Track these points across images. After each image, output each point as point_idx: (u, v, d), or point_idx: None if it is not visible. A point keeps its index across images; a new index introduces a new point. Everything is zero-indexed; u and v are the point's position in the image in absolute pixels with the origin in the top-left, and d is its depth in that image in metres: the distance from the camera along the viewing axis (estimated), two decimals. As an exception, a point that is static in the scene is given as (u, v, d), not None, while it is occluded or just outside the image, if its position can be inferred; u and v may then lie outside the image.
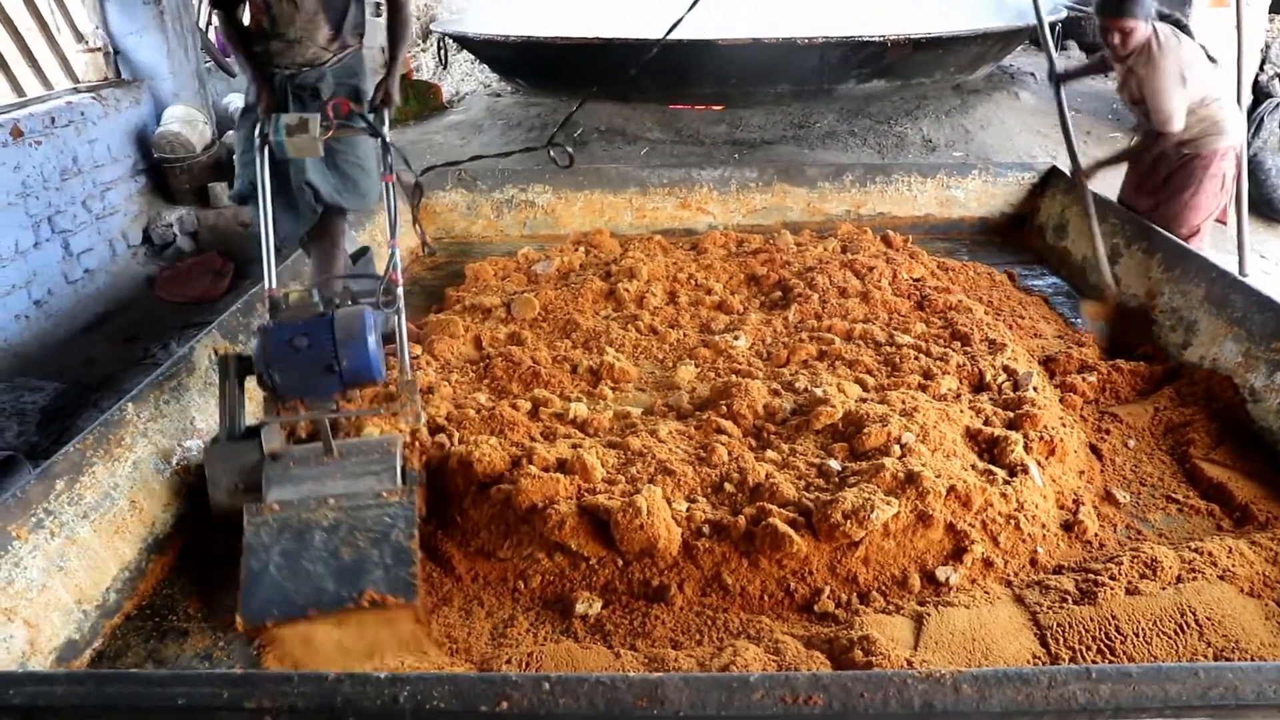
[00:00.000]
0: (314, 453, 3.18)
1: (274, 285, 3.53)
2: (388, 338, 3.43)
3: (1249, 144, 7.63)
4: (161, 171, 7.32)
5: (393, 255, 3.51)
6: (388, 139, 3.81)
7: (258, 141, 3.63)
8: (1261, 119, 7.97)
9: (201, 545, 3.27)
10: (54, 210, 6.24)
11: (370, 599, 2.84)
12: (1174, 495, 3.41)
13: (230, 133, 7.75)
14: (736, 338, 4.41)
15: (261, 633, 2.85)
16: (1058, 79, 5.52)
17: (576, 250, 5.65)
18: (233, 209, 7.34)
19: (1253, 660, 2.55)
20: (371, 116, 3.87)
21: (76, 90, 6.90)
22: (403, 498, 3.05)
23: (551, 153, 4.71)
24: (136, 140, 7.18)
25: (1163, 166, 5.05)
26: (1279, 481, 3.49)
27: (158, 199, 7.39)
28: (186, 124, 7.26)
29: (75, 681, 2.02)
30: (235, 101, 8.35)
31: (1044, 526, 3.12)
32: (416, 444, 3.47)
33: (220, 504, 3.17)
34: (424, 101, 9.49)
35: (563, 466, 3.26)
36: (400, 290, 3.54)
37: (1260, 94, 8.21)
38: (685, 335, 4.57)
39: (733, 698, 1.82)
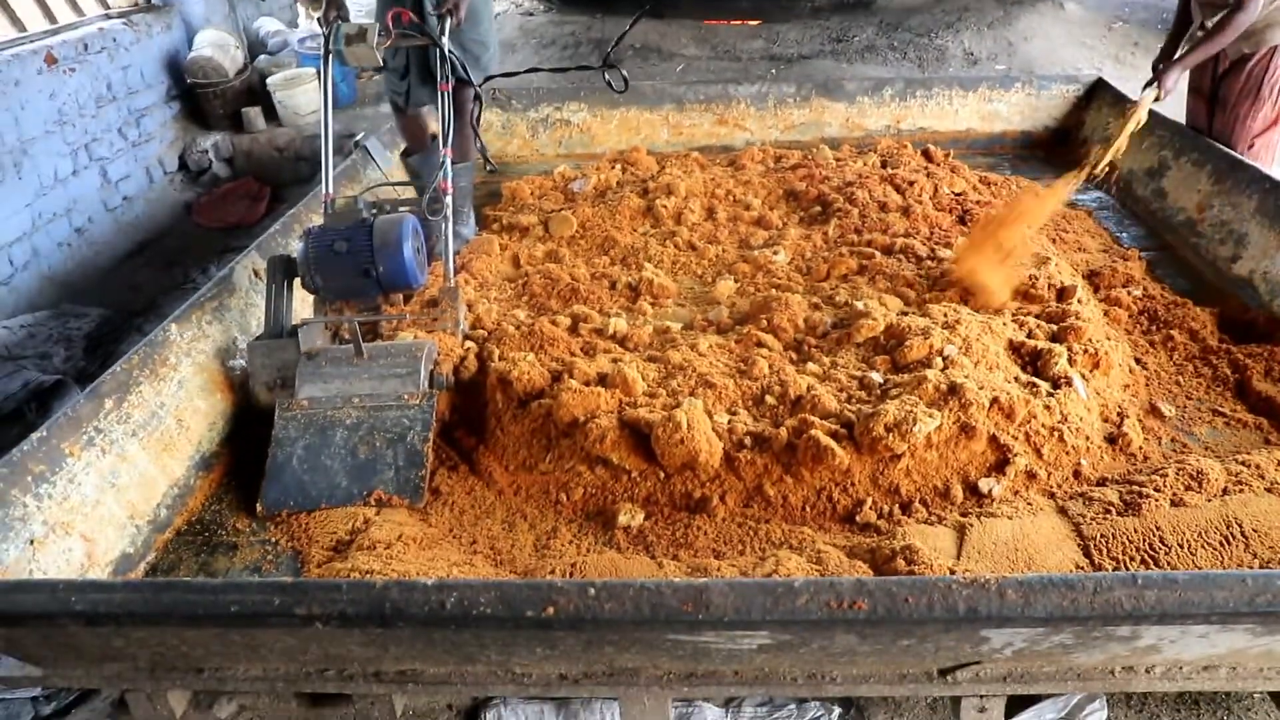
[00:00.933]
0: (346, 354, 3.32)
1: (330, 190, 3.73)
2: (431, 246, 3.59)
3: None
4: (195, 97, 7.32)
5: (443, 164, 3.69)
6: (446, 48, 3.87)
7: (321, 51, 3.81)
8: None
9: (246, 463, 3.31)
10: (90, 138, 6.25)
11: (378, 498, 3.05)
12: (1220, 409, 3.37)
13: (262, 56, 7.73)
14: (776, 252, 4.37)
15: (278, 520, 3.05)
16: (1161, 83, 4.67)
17: (613, 168, 5.60)
18: (268, 133, 7.33)
19: (1299, 570, 2.54)
20: (438, 25, 3.97)
21: (108, 16, 6.87)
22: (422, 402, 3.20)
23: (607, 75, 4.66)
24: (169, 66, 7.16)
25: (1208, 71, 4.76)
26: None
27: (192, 125, 7.40)
28: (219, 49, 7.23)
29: (133, 590, 2.05)
30: (266, 26, 8.30)
31: (1088, 439, 3.10)
32: (454, 353, 3.52)
33: (258, 397, 3.37)
34: (456, 22, 9.37)
35: (603, 381, 3.26)
36: (449, 199, 3.72)
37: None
38: (724, 251, 4.53)
39: (778, 602, 1.82)
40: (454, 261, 3.84)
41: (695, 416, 2.94)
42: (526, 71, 4.87)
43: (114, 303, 5.54)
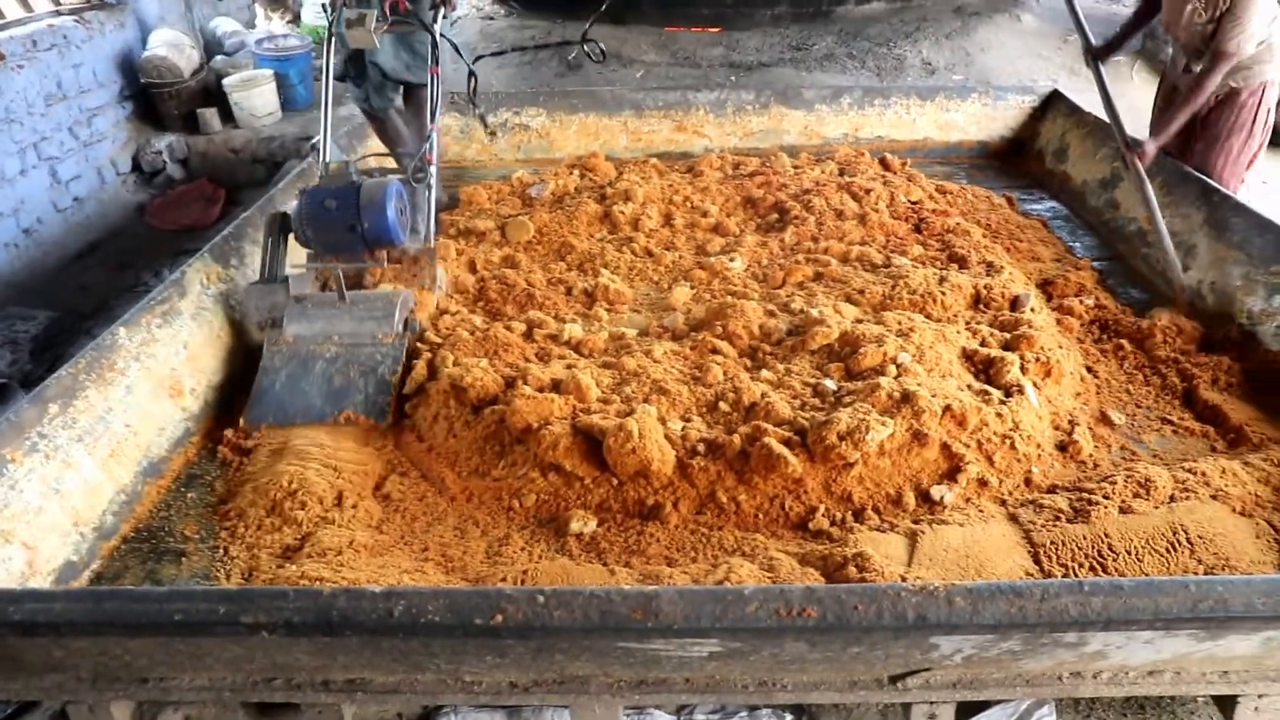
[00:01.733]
0: (330, 299, 3.74)
1: (328, 157, 4.08)
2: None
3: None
4: (149, 97, 7.22)
5: (430, 137, 4.16)
6: (438, 35, 4.27)
7: (326, 33, 4.19)
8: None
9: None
10: (39, 137, 6.15)
11: (346, 417, 3.45)
12: (1169, 417, 3.41)
13: (218, 57, 7.65)
14: (732, 259, 4.38)
15: (257, 433, 3.42)
16: (1096, 55, 4.93)
17: (571, 174, 5.59)
18: (224, 135, 7.25)
19: (1243, 576, 2.57)
20: (431, 14, 4.34)
21: (58, 13, 6.75)
22: (394, 341, 3.63)
23: (585, 47, 5.24)
24: (122, 65, 7.06)
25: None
26: (1273, 404, 3.50)
27: (146, 126, 7.30)
28: (173, 48, 7.14)
29: (73, 599, 2.02)
30: (223, 26, 8.21)
31: (1039, 446, 3.12)
32: (429, 305, 4.02)
33: (251, 333, 3.86)
34: (415, 26, 9.33)
35: (557, 387, 3.25)
36: (434, 168, 4.15)
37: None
38: (681, 257, 4.54)
39: (727, 610, 1.82)
40: (434, 224, 4.21)
41: (647, 425, 2.94)
42: (512, 50, 5.00)
43: (63, 305, 5.46)
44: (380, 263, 3.95)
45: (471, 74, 4.77)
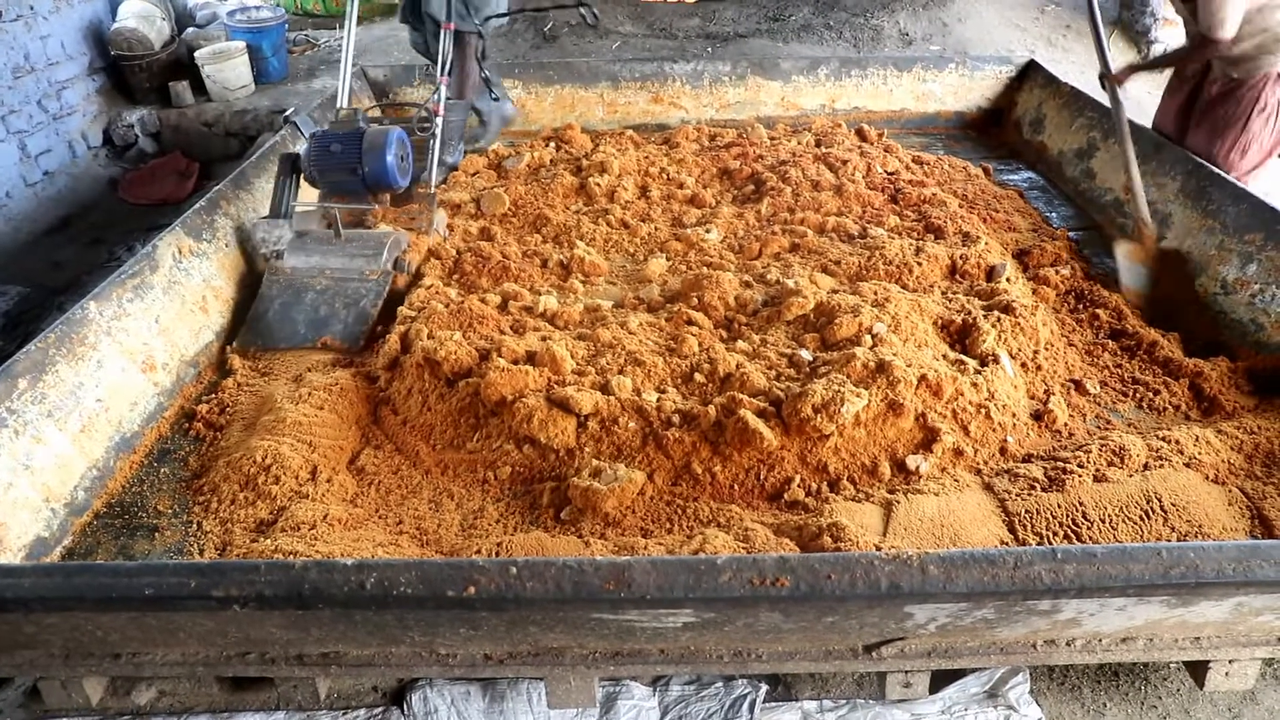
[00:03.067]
0: (329, 235, 4.10)
1: (345, 104, 4.51)
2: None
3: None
4: (120, 70, 7.13)
5: (438, 89, 4.54)
6: None
7: None
8: None
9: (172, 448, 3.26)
10: (8, 110, 6.07)
11: (324, 343, 3.79)
12: (1143, 385, 3.42)
13: (190, 29, 7.55)
14: (708, 231, 4.36)
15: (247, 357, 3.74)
16: (1112, 79, 4.61)
17: (547, 146, 5.55)
18: (197, 108, 7.16)
19: (1215, 542, 2.59)
20: None
21: (25, -17, 6.65)
22: (379, 277, 3.96)
23: (581, 10, 5.42)
24: (92, 37, 6.97)
25: (1203, 94, 4.43)
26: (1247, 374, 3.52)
27: (118, 99, 7.21)
28: (144, 20, 7.05)
29: (43, 574, 2.00)
30: (194, -3, 8.11)
31: (1014, 416, 3.13)
32: (423, 247, 4.32)
33: (259, 265, 4.20)
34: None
35: (532, 359, 3.24)
36: (439, 120, 4.51)
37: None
38: (657, 229, 4.52)
39: (700, 580, 1.82)
40: (436, 174, 4.54)
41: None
42: (518, 11, 5.18)
43: (34, 281, 5.40)
44: (383, 204, 4.29)
45: (479, 34, 5.09)
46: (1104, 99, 5.41)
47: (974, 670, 2.56)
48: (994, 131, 6.34)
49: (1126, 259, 4.15)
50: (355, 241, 4.07)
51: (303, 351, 3.76)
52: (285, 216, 4.14)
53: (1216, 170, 4.24)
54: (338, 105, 4.51)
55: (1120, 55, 8.04)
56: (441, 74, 4.53)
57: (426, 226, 4.35)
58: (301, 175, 4.20)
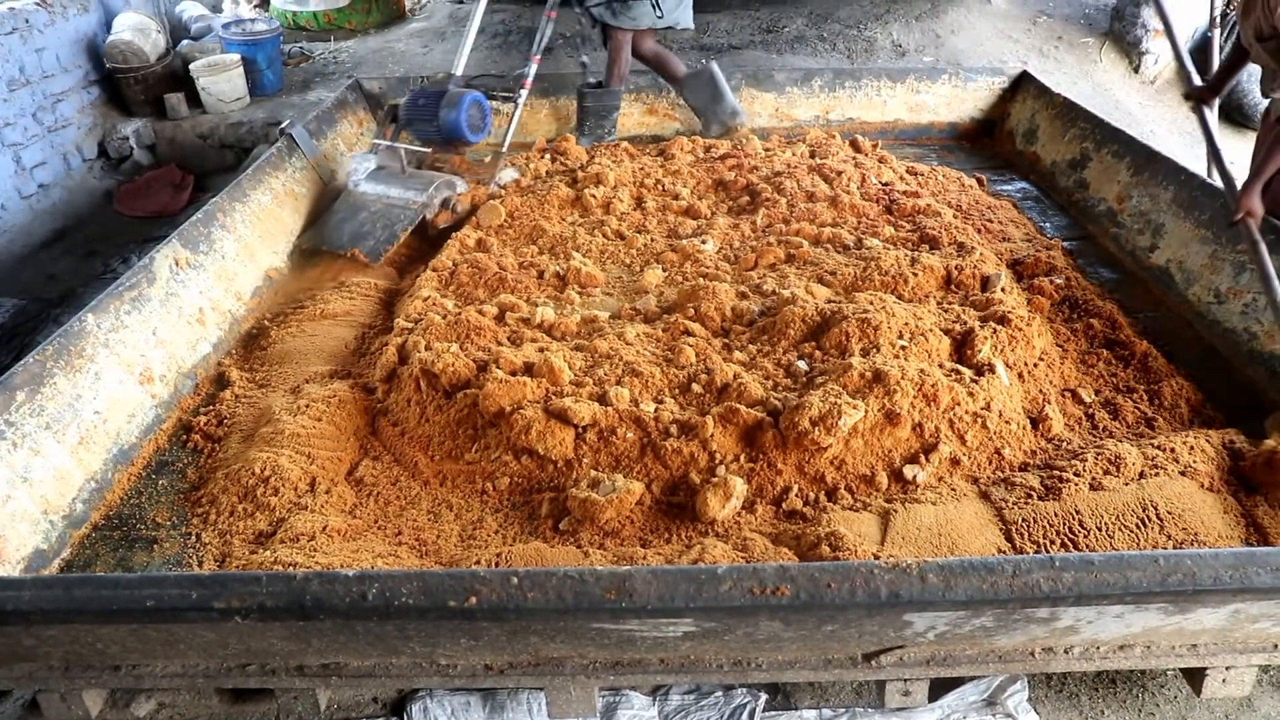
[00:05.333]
0: (397, 170, 4.97)
1: (460, 72, 5.21)
2: None
3: (1221, 49, 7.55)
4: (115, 83, 7.12)
5: (528, 66, 5.42)
6: None
7: None
8: (1235, 22, 7.88)
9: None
10: (2, 123, 6.05)
11: (352, 254, 4.56)
12: (1137, 394, 3.44)
13: (185, 42, 7.56)
14: (704, 242, 4.37)
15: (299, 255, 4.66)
16: (1200, 98, 4.13)
17: (542, 157, 5.56)
18: (192, 120, 7.16)
19: (1210, 550, 2.60)
20: None
21: (20, -4, 6.65)
22: (417, 209, 4.73)
23: (584, 19, 5.93)
24: (87, 50, 6.95)
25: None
26: (1241, 381, 3.54)
27: (113, 111, 7.19)
28: (139, 32, 7.04)
29: (43, 587, 2.00)
30: (189, 10, 8.11)
31: (1010, 425, 3.14)
32: (478, 195, 4.99)
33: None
34: (386, 10, 9.24)
35: (529, 370, 3.25)
36: (525, 91, 5.42)
37: (1231, -3, 8.10)
38: (652, 240, 4.53)
39: (701, 589, 1.83)
40: (510, 138, 5.35)
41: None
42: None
43: (29, 293, 5.39)
44: (460, 154, 5.23)
45: (548, 18, 5.57)
46: (1097, 110, 5.46)
47: (972, 678, 2.56)
48: (987, 142, 6.38)
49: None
50: (414, 178, 4.87)
51: (304, 369, 3.71)
52: (374, 153, 5.08)
53: (1208, 180, 4.26)
54: (452, 71, 5.22)
55: (1111, 67, 8.09)
56: (535, 54, 5.39)
57: (487, 179, 5.08)
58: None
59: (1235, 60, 4.04)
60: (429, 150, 5.12)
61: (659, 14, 5.64)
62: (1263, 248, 3.47)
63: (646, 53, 5.97)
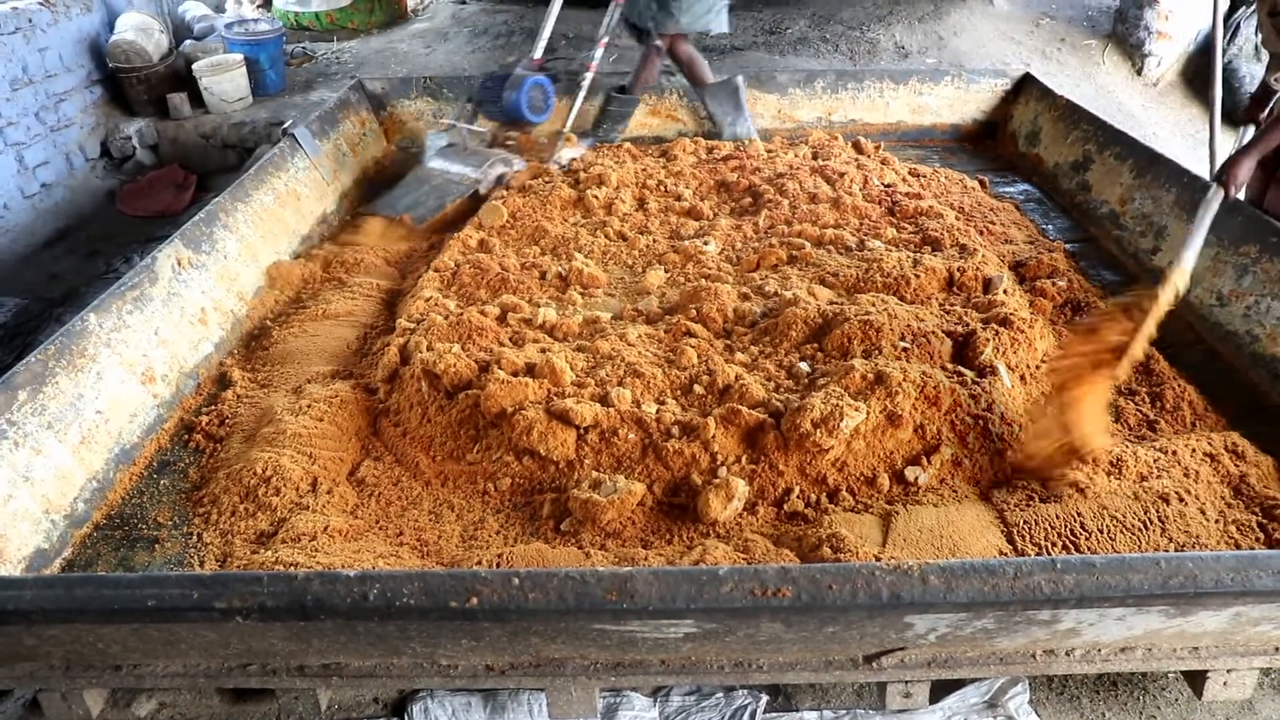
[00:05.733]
0: (462, 148, 5.46)
1: (538, 57, 5.55)
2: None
3: (1224, 50, 7.54)
4: (118, 82, 7.13)
5: (594, 51, 5.62)
6: None
7: None
8: (1238, 24, 7.88)
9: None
10: (5, 122, 6.07)
11: (401, 219, 5.00)
12: (1139, 397, 3.43)
13: (188, 42, 7.56)
14: (706, 243, 4.37)
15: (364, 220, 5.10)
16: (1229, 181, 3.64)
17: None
18: (194, 120, 7.17)
19: (1213, 554, 2.60)
20: None
21: (23, -4, 6.66)
22: (469, 183, 5.13)
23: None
24: (90, 49, 6.97)
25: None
26: (1244, 383, 3.54)
27: (115, 111, 7.21)
28: (141, 32, 7.05)
29: (44, 586, 2.00)
30: (192, 10, 8.12)
31: (1012, 427, 3.13)
32: (542, 171, 5.33)
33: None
34: (389, 10, 9.26)
35: (531, 371, 3.25)
36: (589, 75, 5.65)
37: (1236, -1, 8.10)
38: (655, 241, 4.53)
39: (702, 590, 1.82)
40: (572, 120, 5.71)
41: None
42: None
43: (32, 293, 5.39)
44: (526, 132, 5.58)
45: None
46: (1100, 112, 5.45)
47: (974, 680, 2.56)
48: (990, 144, 6.37)
49: None
50: (474, 155, 5.31)
51: (306, 369, 3.71)
52: (447, 131, 5.56)
53: (1209, 182, 4.26)
54: (532, 56, 5.55)
55: (1114, 69, 8.09)
56: (601, 39, 5.60)
57: (548, 158, 5.37)
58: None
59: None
60: (484, 130, 5.57)
61: (700, 18, 5.69)
62: (1212, 210, 3.41)
63: (681, 54, 6.00)
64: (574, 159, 5.46)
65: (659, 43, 5.80)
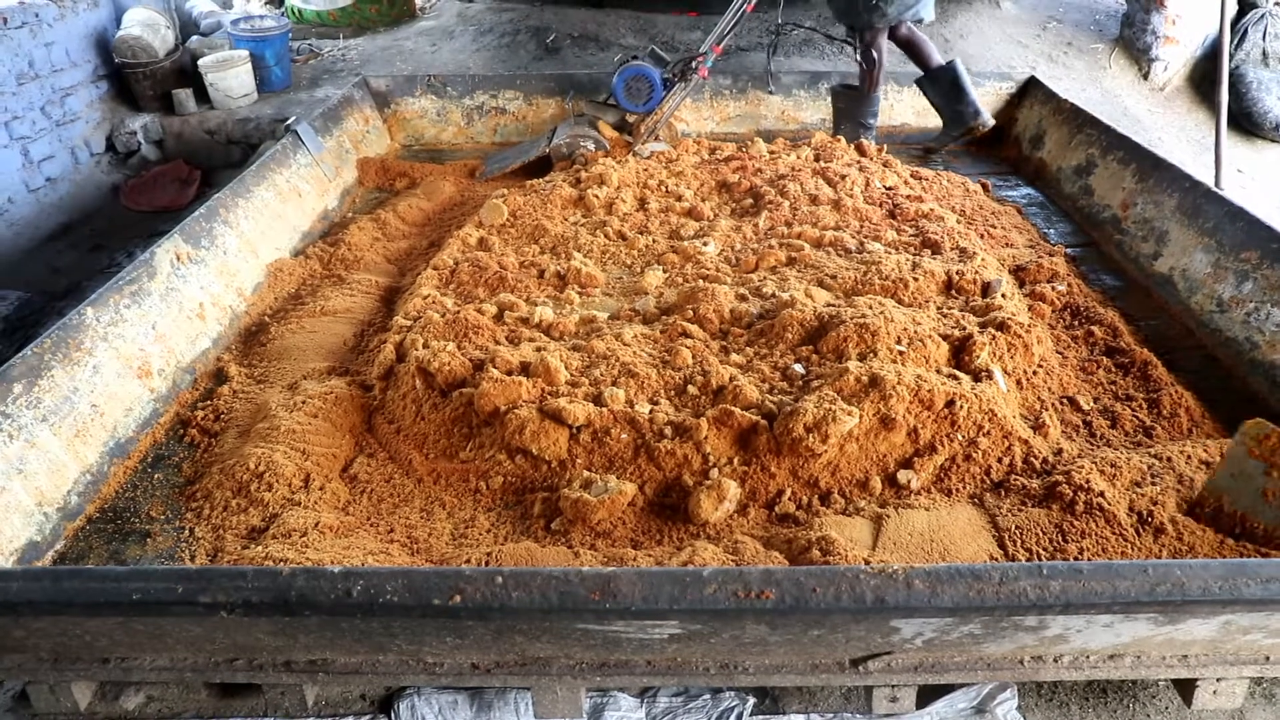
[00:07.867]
0: (571, 123, 5.93)
1: (705, 49, 5.69)
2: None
3: (1232, 56, 7.52)
4: (124, 78, 7.14)
5: (707, 52, 5.66)
6: None
7: None
8: (1245, 30, 7.85)
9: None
10: (11, 116, 6.08)
11: (476, 170, 5.79)
12: (1136, 402, 3.42)
13: (194, 38, 7.57)
14: (706, 244, 4.37)
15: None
16: None
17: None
18: (200, 116, 7.18)
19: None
20: None
21: (31, -10, 6.67)
22: (541, 149, 5.73)
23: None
24: (96, 44, 6.98)
25: None
26: (1240, 390, 3.53)
27: (121, 106, 7.22)
28: (148, 28, 7.07)
29: (32, 578, 2.00)
30: (198, 6, 8.13)
31: (1006, 431, 3.12)
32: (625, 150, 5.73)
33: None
34: (396, 7, 9.26)
35: (526, 370, 3.25)
36: (696, 74, 5.71)
37: (1245, 4, 8.07)
38: (654, 241, 4.53)
39: (685, 591, 1.82)
40: (668, 111, 5.85)
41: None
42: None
43: (35, 286, 5.41)
44: (639, 115, 5.83)
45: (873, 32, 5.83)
46: (1106, 117, 5.44)
47: (961, 686, 2.55)
48: (993, 147, 6.35)
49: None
50: (565, 127, 5.85)
51: (302, 366, 3.72)
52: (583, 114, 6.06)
53: (1213, 189, 4.25)
54: (709, 45, 5.70)
55: (1121, 73, 8.07)
56: (717, 43, 5.68)
57: (636, 144, 5.72)
58: None
59: None
60: (613, 108, 5.92)
61: (910, 7, 5.79)
62: None
63: (901, 38, 6.04)
64: (655, 152, 5.67)
65: (868, 36, 5.89)
